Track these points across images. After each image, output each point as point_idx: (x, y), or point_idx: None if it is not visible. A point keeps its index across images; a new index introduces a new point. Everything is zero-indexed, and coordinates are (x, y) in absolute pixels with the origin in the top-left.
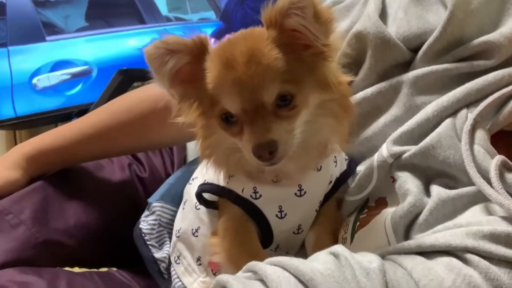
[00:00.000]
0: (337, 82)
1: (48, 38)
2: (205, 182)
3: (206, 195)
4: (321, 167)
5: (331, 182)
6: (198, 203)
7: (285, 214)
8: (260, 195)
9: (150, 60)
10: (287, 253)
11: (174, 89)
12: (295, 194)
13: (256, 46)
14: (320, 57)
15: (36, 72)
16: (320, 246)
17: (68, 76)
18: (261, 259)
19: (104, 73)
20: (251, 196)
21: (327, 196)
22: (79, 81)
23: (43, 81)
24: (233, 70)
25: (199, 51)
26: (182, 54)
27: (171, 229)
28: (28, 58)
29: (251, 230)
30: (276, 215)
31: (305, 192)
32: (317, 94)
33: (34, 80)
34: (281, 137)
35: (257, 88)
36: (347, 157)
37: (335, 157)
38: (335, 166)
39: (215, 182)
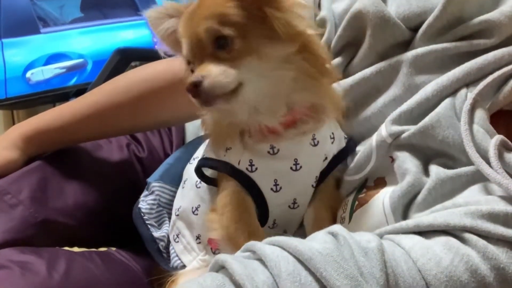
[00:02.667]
0: (292, 32)
1: (42, 30)
2: (204, 156)
3: (206, 172)
4: (318, 142)
5: (326, 158)
6: (198, 181)
7: (280, 188)
8: (256, 168)
9: (150, 21)
10: (285, 231)
11: (176, 52)
12: (291, 168)
13: None
14: (265, 5)
15: (30, 66)
16: (319, 223)
17: (63, 70)
18: (258, 237)
19: (99, 66)
20: (246, 169)
21: (325, 174)
22: (74, 75)
23: (37, 75)
24: (187, 18)
25: None
26: (176, 19)
27: (171, 209)
28: (22, 51)
29: (250, 207)
30: (271, 189)
31: (300, 167)
32: (270, 45)
33: (28, 74)
34: (210, 73)
35: (197, 27)
36: (346, 136)
37: (332, 133)
38: (332, 142)
39: (213, 156)
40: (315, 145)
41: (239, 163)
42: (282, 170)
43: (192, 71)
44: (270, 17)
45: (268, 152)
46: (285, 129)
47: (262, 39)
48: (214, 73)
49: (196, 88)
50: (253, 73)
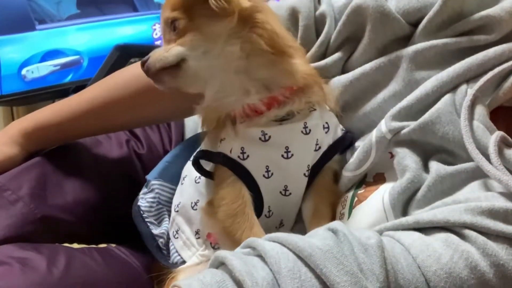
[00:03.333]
0: (225, 7)
1: (38, 27)
2: (200, 149)
3: (205, 166)
4: (310, 130)
5: (320, 148)
6: (197, 177)
7: (272, 174)
8: (248, 156)
9: None
10: (281, 222)
11: None
12: (282, 155)
13: None
14: None
15: (26, 63)
16: (318, 219)
17: (57, 67)
18: (256, 230)
19: (95, 63)
20: (238, 157)
21: (321, 164)
22: (69, 72)
23: (32, 72)
24: None
25: None
26: None
27: (170, 207)
28: (17, 48)
29: (246, 200)
30: (264, 175)
31: (292, 155)
32: (212, 22)
33: (23, 71)
34: (155, 52)
35: (161, 18)
36: (343, 128)
37: (326, 123)
38: (326, 132)
39: (209, 148)
40: (306, 133)
41: (231, 151)
42: (273, 157)
43: None
44: None
45: (260, 138)
46: (268, 109)
47: (204, 17)
48: (159, 51)
49: (143, 66)
50: (198, 50)
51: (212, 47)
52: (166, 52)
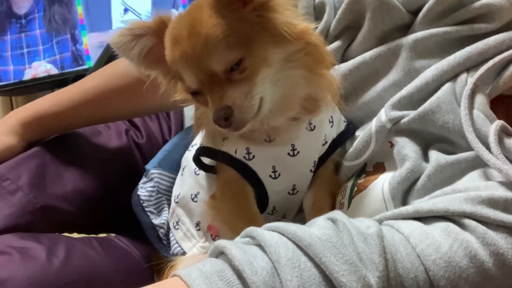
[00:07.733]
0: (296, 31)
1: None
2: (202, 145)
3: (205, 160)
4: (314, 126)
5: (326, 142)
6: (197, 168)
7: (279, 174)
8: (253, 156)
9: (118, 49)
10: (284, 216)
11: (155, 70)
12: (288, 154)
13: (197, 16)
14: (264, 10)
15: None
16: (318, 208)
17: None
18: (257, 223)
19: None
20: (244, 157)
21: (324, 158)
22: None
23: None
24: (179, 45)
25: (162, 30)
26: (147, 37)
27: (170, 196)
28: None
29: (248, 194)
30: (270, 176)
31: (298, 152)
32: (275, 49)
33: None
34: (235, 102)
35: (202, 60)
36: (345, 120)
37: (331, 117)
38: (331, 126)
39: (211, 145)
40: (311, 129)
41: (236, 152)
42: (279, 156)
43: (196, 94)
44: (274, 21)
45: (265, 139)
46: (288, 123)
47: (266, 46)
48: (238, 100)
49: (227, 120)
50: (268, 83)
51: (280, 75)
52: (249, 99)
